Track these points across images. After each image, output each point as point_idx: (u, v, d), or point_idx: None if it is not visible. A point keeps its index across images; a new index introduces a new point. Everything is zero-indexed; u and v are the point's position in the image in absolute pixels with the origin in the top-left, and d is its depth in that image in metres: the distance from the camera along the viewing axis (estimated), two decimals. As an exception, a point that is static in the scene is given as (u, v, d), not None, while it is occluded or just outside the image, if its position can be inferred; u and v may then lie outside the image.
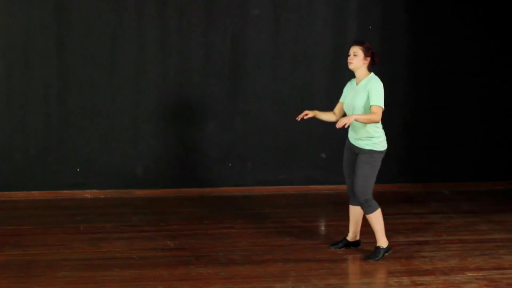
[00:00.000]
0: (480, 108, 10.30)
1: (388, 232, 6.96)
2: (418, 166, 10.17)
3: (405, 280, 6.26)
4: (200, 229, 7.92)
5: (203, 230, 7.86)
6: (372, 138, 6.70)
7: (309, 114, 7.00)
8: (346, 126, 6.49)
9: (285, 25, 9.81)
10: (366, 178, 6.70)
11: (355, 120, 6.52)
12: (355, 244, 7.16)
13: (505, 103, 10.34)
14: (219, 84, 9.73)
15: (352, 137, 6.83)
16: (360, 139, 6.75)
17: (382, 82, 6.86)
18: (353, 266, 6.63)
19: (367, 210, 6.78)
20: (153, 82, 9.59)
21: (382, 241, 6.84)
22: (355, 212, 7.07)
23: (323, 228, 8.33)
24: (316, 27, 9.88)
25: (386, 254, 6.82)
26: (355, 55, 6.73)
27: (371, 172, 6.71)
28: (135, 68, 9.54)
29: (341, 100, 7.00)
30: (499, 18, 10.23)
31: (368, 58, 6.73)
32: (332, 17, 9.89)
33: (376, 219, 6.80)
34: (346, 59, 6.81)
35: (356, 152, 6.81)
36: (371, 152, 6.70)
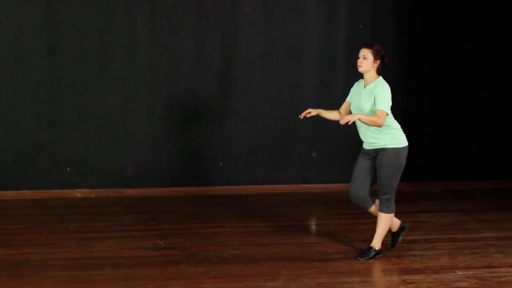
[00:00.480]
0: (470, 108, 10.31)
1: (383, 236, 6.95)
2: (409, 165, 10.12)
3: (396, 278, 6.28)
4: (191, 228, 7.92)
5: (194, 229, 7.86)
6: (393, 130, 6.65)
7: (312, 112, 6.96)
8: (349, 123, 6.48)
9: (276, 24, 9.81)
10: (390, 178, 6.66)
11: (358, 119, 6.50)
12: (401, 229, 7.06)
13: (495, 103, 10.36)
14: (210, 83, 9.72)
15: (371, 139, 6.71)
16: (381, 137, 6.66)
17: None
18: (343, 265, 6.63)
19: (384, 208, 6.73)
20: (144, 81, 9.58)
21: (377, 244, 6.83)
22: (376, 211, 6.93)
23: (314, 227, 8.34)
24: (307, 26, 9.88)
25: (375, 256, 6.82)
26: (364, 58, 6.68)
27: (393, 174, 6.66)
28: (126, 67, 9.52)
29: (348, 99, 6.95)
30: (493, 16, 10.24)
31: (378, 61, 6.69)
32: (322, 16, 9.90)
33: (386, 221, 6.78)
34: (356, 61, 6.75)
35: (377, 154, 6.70)
36: (395, 150, 6.64)
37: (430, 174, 10.23)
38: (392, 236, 7.10)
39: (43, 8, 9.26)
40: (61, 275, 6.24)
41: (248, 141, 9.84)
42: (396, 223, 7.05)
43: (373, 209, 6.90)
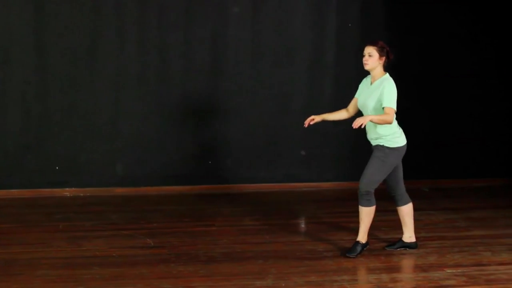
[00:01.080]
0: (459, 107, 10.34)
1: (368, 229, 6.98)
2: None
3: (385, 277, 6.29)
4: (180, 227, 7.92)
5: (184, 228, 7.85)
6: (384, 136, 6.69)
7: (316, 119, 6.97)
8: (362, 127, 6.47)
9: (265, 23, 9.82)
10: (374, 173, 6.69)
11: (370, 120, 6.50)
12: (410, 246, 7.07)
13: (484, 103, 10.39)
14: (199, 82, 9.72)
15: (369, 138, 6.86)
16: (373, 139, 6.79)
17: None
18: (333, 263, 6.64)
19: (365, 203, 6.76)
20: (133, 80, 9.57)
21: (363, 238, 6.85)
22: (402, 213, 7.02)
23: (303, 226, 8.35)
24: (296, 24, 9.89)
25: (363, 250, 6.83)
26: (370, 56, 6.70)
27: (380, 167, 6.70)
28: (115, 66, 9.51)
29: (356, 95, 7.00)
30: (487, 15, 10.27)
31: (383, 58, 6.72)
32: (311, 15, 9.91)
33: (369, 214, 6.80)
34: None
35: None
36: (383, 148, 6.71)
37: (419, 173, 10.25)
38: (397, 240, 7.12)
39: (31, 6, 9.23)
40: (50, 274, 6.23)
41: (238, 139, 9.85)
42: (411, 236, 7.08)
43: (401, 208, 6.98)
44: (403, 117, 10.01)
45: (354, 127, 6.44)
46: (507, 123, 10.49)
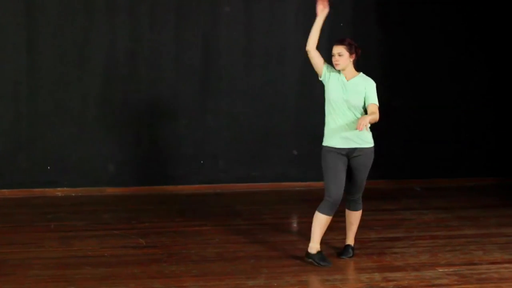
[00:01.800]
0: (451, 107, 10.36)
1: (360, 228, 6.98)
2: (390, 162, 10.20)
3: (377, 276, 6.29)
4: (172, 226, 7.91)
5: (175, 228, 7.85)
6: (368, 134, 6.58)
7: (326, 8, 6.86)
8: (367, 128, 6.37)
9: (256, 22, 9.82)
10: (364, 179, 6.68)
11: (369, 121, 6.30)
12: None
13: (475, 103, 10.42)
14: (190, 81, 9.71)
15: (355, 138, 6.51)
16: (364, 136, 6.53)
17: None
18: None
19: (358, 206, 6.76)
20: (125, 79, 9.55)
21: (353, 240, 6.86)
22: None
23: (295, 225, 8.35)
24: (287, 23, 9.89)
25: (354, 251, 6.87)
26: (340, 55, 6.54)
27: (367, 172, 6.66)
28: (106, 65, 9.49)
29: (325, 67, 6.64)
30: (476, 15, 10.30)
31: (353, 55, 6.57)
32: (303, 14, 9.90)
33: (359, 217, 6.82)
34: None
35: (355, 155, 6.55)
36: (372, 150, 6.58)
37: (412, 172, 10.27)
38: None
39: (22, 5, 9.21)
40: (41, 274, 6.21)
41: (229, 139, 9.84)
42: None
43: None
44: (395, 115, 10.11)
45: (359, 130, 6.22)
46: (498, 123, 10.51)
